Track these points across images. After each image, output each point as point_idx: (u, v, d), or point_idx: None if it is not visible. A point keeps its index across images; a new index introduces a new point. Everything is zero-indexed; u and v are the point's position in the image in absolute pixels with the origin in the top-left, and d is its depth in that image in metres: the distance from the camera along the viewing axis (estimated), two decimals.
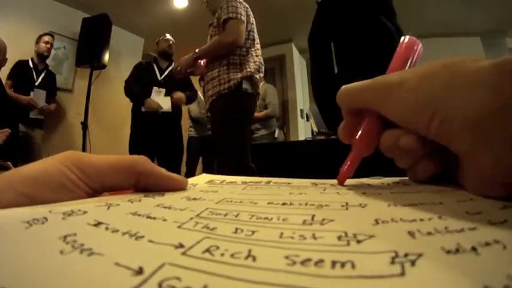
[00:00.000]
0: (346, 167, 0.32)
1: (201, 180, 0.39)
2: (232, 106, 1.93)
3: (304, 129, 5.70)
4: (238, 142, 1.92)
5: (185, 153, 3.58)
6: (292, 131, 5.42)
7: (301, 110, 5.67)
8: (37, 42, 3.39)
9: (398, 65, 0.33)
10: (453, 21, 4.80)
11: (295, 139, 5.11)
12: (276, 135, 3.86)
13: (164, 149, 3.03)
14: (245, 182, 0.36)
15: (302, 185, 0.34)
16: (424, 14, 4.66)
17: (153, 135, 2.97)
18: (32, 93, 3.21)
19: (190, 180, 0.38)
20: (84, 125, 3.45)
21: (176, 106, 3.11)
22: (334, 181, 0.34)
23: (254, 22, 2.12)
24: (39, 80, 3.31)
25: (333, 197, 0.27)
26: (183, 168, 3.67)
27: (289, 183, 0.35)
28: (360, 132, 0.31)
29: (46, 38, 3.40)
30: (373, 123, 0.30)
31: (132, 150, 3.02)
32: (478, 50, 5.08)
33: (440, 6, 4.46)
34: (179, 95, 3.09)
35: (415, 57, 0.33)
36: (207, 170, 3.61)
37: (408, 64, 0.33)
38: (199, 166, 4.01)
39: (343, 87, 0.32)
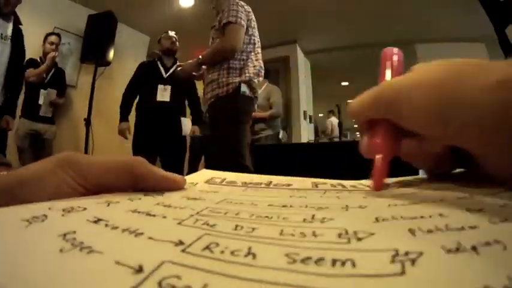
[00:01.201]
0: (375, 177, 0.31)
1: (200, 177, 0.39)
2: (229, 108, 1.95)
3: (306, 131, 5.72)
4: (235, 143, 1.94)
5: (188, 152, 3.58)
6: (295, 132, 5.44)
7: (304, 112, 5.68)
8: (44, 41, 3.43)
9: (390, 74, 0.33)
10: (459, 27, 4.80)
11: (297, 141, 5.12)
12: (280, 136, 3.86)
13: (167, 148, 3.03)
14: (245, 183, 0.36)
15: (302, 187, 0.33)
16: (430, 18, 4.66)
17: (156, 134, 2.97)
18: (42, 91, 3.31)
19: (190, 177, 0.38)
20: (88, 122, 3.46)
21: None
22: (335, 181, 0.35)
23: (256, 26, 2.13)
24: (48, 78, 3.37)
25: (333, 200, 0.27)
26: (186, 167, 3.68)
27: (289, 185, 0.35)
28: (378, 141, 0.30)
29: (52, 39, 3.43)
30: (390, 131, 0.30)
31: (135, 148, 3.02)
32: (482, 56, 5.09)
33: (447, 12, 4.46)
34: (194, 130, 3.20)
35: (396, 64, 0.34)
36: (209, 169, 3.61)
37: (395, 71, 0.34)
38: (202, 165, 4.01)
39: (351, 102, 0.31)
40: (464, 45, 5.18)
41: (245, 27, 2.01)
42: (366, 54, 5.78)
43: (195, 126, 3.19)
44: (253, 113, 2.51)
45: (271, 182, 0.36)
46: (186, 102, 3.26)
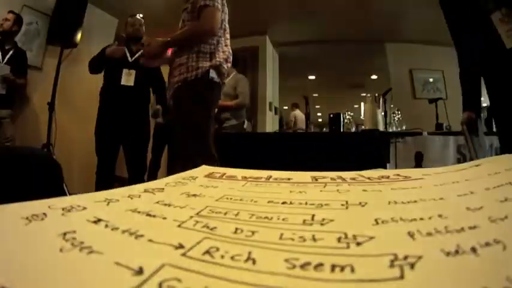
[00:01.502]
0: None
1: (200, 173, 0.39)
2: (196, 93, 1.90)
3: (271, 122, 5.78)
4: (200, 130, 1.89)
5: (151, 140, 3.52)
6: (259, 123, 5.45)
7: (270, 103, 5.73)
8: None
9: None
10: (431, 30, 4.88)
11: (262, 131, 5.14)
12: (245, 126, 3.86)
13: (130, 134, 2.95)
14: (245, 177, 0.36)
15: (302, 181, 0.33)
16: (403, 18, 4.76)
17: (120, 120, 2.90)
18: None
19: (189, 172, 0.38)
20: (51, 106, 3.35)
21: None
22: (335, 175, 0.35)
23: (227, 12, 2.08)
24: (5, 60, 3.19)
25: (333, 195, 0.27)
26: (149, 155, 3.63)
27: (289, 179, 0.34)
28: None
29: (8, 16, 3.25)
30: None
31: (98, 135, 2.94)
32: (451, 60, 5.26)
33: (421, 13, 4.54)
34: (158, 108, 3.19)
35: None
36: (172, 157, 3.58)
37: None
38: (165, 155, 3.97)
39: None
40: (434, 49, 5.30)
41: (221, 11, 1.95)
42: (335, 49, 5.86)
43: (158, 106, 3.18)
44: (219, 101, 2.49)
45: (271, 176, 0.36)
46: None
